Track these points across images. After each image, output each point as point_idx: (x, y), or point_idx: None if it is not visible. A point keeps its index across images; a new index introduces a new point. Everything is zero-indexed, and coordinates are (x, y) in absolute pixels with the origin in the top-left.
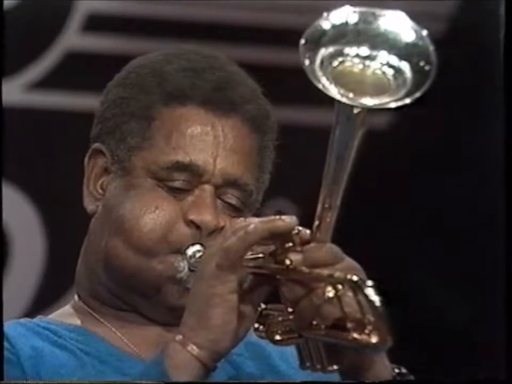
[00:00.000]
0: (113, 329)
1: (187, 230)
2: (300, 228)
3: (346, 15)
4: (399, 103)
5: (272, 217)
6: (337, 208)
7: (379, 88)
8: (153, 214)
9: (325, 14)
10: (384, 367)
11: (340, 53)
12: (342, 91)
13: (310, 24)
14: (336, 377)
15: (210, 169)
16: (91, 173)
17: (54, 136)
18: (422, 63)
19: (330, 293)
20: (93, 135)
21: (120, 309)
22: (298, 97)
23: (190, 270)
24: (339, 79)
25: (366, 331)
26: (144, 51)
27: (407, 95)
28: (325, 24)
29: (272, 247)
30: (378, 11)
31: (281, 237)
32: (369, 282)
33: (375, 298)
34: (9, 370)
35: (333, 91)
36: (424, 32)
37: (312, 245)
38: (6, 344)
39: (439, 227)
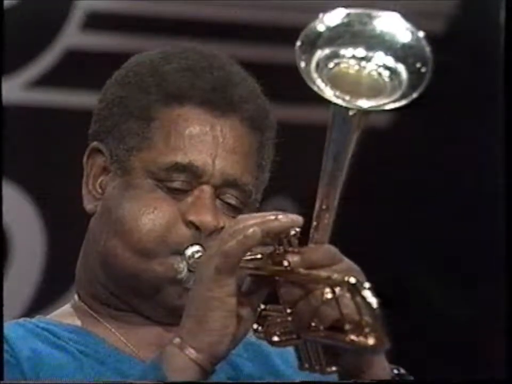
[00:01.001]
0: (113, 329)
1: (186, 231)
2: (298, 230)
3: (341, 16)
4: (395, 105)
5: (268, 215)
6: (335, 209)
7: (375, 89)
8: (152, 215)
9: (320, 16)
10: (382, 368)
11: (336, 55)
12: (337, 93)
13: (309, 22)
14: (334, 378)
15: (209, 169)
16: (90, 172)
17: (54, 134)
18: (418, 65)
19: (328, 294)
20: (91, 132)
21: (119, 309)
22: (298, 95)
23: (189, 271)
24: (335, 81)
25: (364, 333)
26: (144, 49)
27: (403, 96)
28: (320, 26)
29: (270, 249)
30: (373, 12)
31: (279, 238)
32: (367, 284)
33: (373, 300)
34: (8, 372)
35: (329, 93)
36: (421, 34)
37: (310, 246)
38: (5, 346)
39: (439, 227)
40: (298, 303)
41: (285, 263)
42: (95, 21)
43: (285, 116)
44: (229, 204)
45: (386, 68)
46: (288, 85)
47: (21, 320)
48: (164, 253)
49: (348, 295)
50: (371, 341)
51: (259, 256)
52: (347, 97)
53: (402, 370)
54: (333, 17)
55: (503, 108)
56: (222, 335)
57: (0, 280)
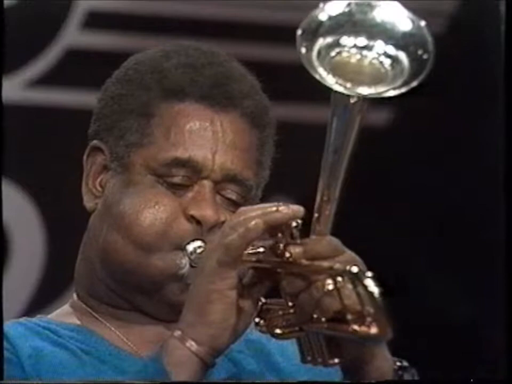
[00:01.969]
0: (112, 328)
1: (187, 225)
2: (300, 221)
3: (342, 6)
4: (396, 92)
5: (270, 207)
6: (336, 200)
7: (376, 78)
8: (153, 209)
9: (321, 5)
10: (385, 360)
11: (337, 44)
12: (339, 81)
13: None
14: (337, 375)
15: (210, 164)
16: (90, 170)
17: (55, 133)
18: (420, 52)
19: (329, 285)
20: (91, 132)
21: (118, 308)
22: (299, 94)
23: (191, 266)
24: (336, 69)
25: (366, 323)
26: (144, 48)
27: (404, 84)
28: (322, 15)
29: (271, 241)
30: (374, 1)
31: (281, 229)
32: (369, 273)
33: (374, 290)
34: (9, 370)
35: (330, 81)
36: (422, 23)
37: (312, 237)
38: (6, 344)
39: (439, 224)
40: (300, 295)
41: (287, 255)
42: (95, 20)
43: (285, 114)
44: (229, 199)
45: (388, 56)
46: (289, 83)
47: (22, 319)
48: (165, 248)
49: (349, 285)
50: (374, 330)
51: (261, 249)
52: (348, 85)
53: (405, 363)
54: (334, 7)
55: (503, 104)
56: (223, 328)
57: (0, 279)
